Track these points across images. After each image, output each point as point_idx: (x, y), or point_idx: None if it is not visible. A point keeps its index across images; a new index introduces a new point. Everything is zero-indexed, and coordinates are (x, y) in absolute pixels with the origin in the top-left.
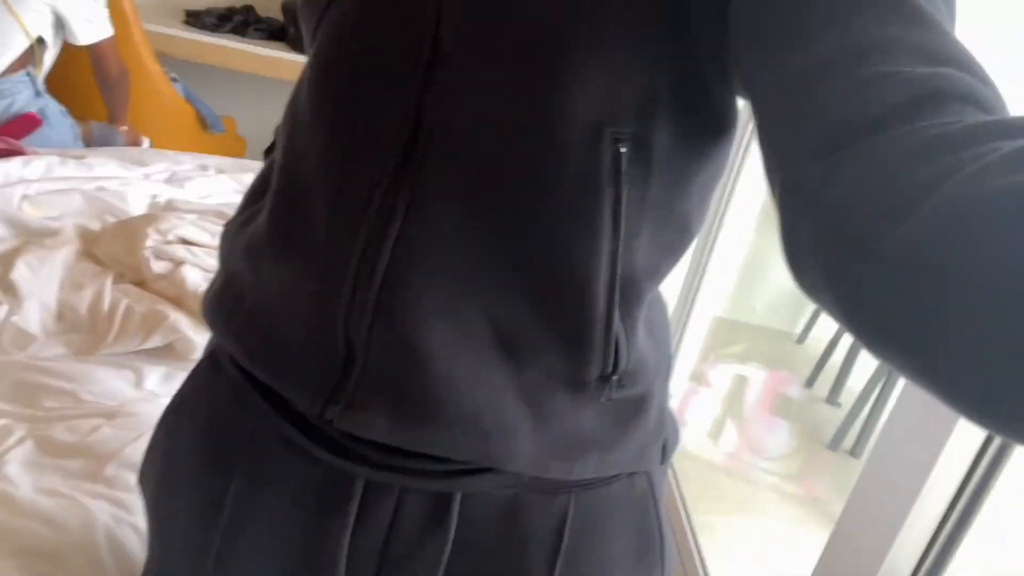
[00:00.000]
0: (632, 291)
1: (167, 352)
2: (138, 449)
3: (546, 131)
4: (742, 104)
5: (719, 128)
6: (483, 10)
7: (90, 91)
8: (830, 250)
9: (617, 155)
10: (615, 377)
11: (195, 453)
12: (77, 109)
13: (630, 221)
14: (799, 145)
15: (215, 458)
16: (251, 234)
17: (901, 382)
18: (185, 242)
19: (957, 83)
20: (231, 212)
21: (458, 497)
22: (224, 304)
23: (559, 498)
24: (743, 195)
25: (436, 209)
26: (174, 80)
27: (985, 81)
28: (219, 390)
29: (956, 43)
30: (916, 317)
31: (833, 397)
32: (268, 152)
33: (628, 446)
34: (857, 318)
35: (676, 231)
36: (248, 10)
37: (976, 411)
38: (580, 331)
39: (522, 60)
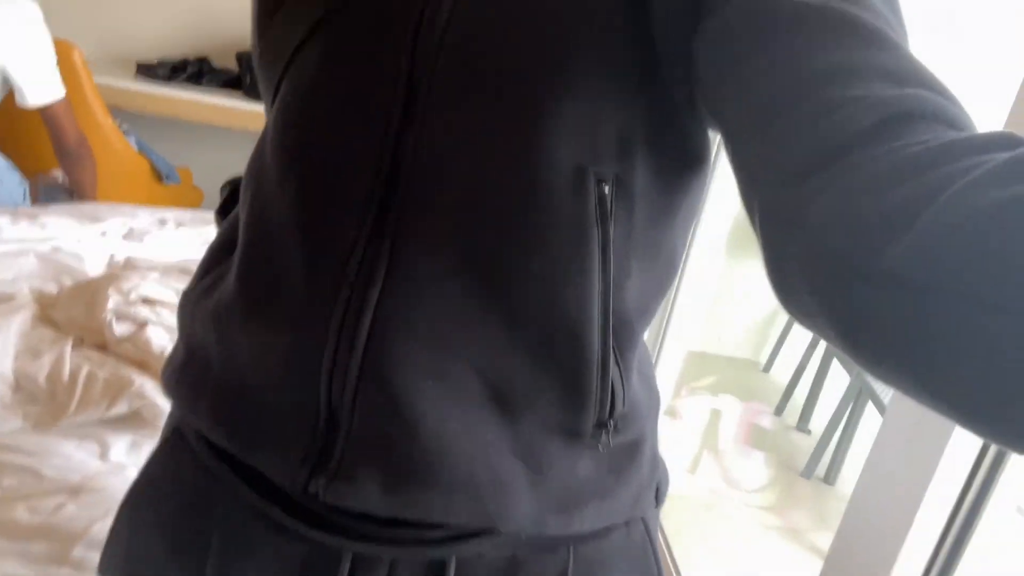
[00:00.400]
0: (625, 332)
1: (133, 420)
2: (107, 527)
3: (530, 175)
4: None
5: (693, 160)
6: (459, 56)
7: (38, 148)
8: (822, 273)
9: (602, 195)
10: (611, 422)
11: (162, 542)
12: (26, 167)
13: (619, 261)
14: (774, 170)
15: (185, 546)
16: (217, 300)
17: (871, 408)
18: (148, 302)
19: (925, 103)
20: (194, 268)
21: (453, 563)
22: (189, 376)
23: (558, 555)
24: (708, 223)
25: (420, 262)
26: (127, 133)
27: (950, 99)
28: (185, 470)
29: (918, 63)
30: (919, 336)
31: (803, 424)
32: (221, 211)
33: (625, 493)
34: (855, 340)
35: (663, 266)
36: (202, 61)
37: (984, 425)
38: (576, 378)
39: (501, 105)
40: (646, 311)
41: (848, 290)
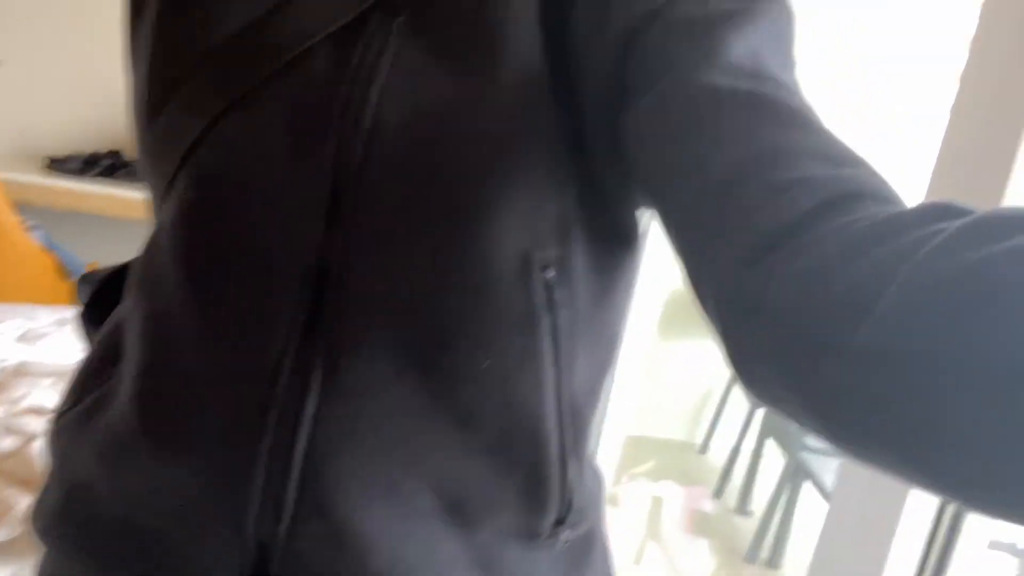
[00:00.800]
0: (578, 421)
1: (13, 548)
2: None
3: (475, 269)
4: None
5: (625, 239)
6: (389, 151)
7: None
8: (789, 355)
9: (547, 281)
10: (569, 518)
11: None
12: None
13: (567, 346)
14: (724, 254)
15: None
16: (105, 428)
17: (809, 486)
18: (38, 412)
19: (861, 182)
20: None
21: None
22: (72, 521)
23: None
24: (638, 306)
25: (359, 370)
26: (34, 228)
27: (880, 177)
28: None
29: (843, 143)
30: (900, 410)
31: (743, 506)
32: (87, 316)
33: None
34: (830, 420)
35: (605, 347)
36: (115, 154)
37: (979, 501)
38: (535, 478)
39: (438, 200)
40: (593, 395)
41: (817, 369)
